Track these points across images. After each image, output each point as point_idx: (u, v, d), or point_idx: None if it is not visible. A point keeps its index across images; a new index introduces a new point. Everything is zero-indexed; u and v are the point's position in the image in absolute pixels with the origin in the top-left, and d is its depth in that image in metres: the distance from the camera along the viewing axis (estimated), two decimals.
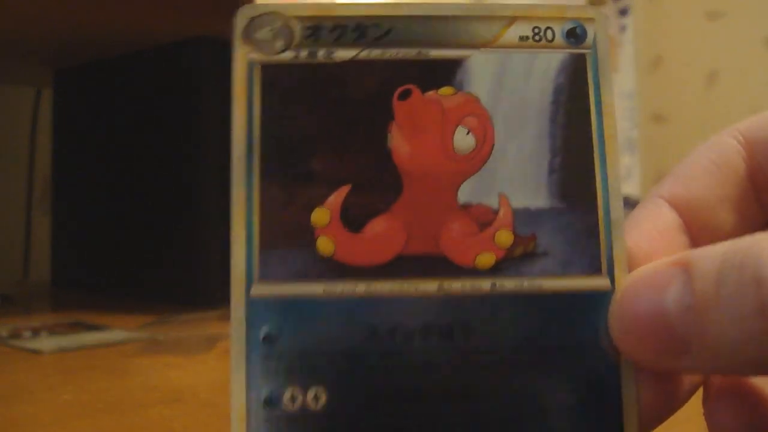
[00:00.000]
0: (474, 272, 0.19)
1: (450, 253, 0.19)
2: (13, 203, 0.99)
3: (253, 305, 0.18)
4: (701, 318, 0.16)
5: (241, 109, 0.19)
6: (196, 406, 0.38)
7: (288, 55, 0.19)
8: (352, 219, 0.19)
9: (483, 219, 0.19)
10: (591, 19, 0.20)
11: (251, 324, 0.18)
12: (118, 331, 0.56)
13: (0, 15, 0.65)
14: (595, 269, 0.19)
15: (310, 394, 0.18)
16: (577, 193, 0.19)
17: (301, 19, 0.19)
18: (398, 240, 0.19)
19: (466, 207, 0.19)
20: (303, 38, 0.19)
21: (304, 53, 0.19)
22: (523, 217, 0.19)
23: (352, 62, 0.19)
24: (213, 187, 0.70)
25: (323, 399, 0.18)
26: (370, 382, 0.18)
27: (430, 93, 0.19)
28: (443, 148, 0.19)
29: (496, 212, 0.19)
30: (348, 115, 0.19)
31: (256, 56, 0.19)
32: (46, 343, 0.52)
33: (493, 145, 0.19)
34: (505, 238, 0.19)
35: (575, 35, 0.20)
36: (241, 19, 0.19)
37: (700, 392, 0.20)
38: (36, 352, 0.50)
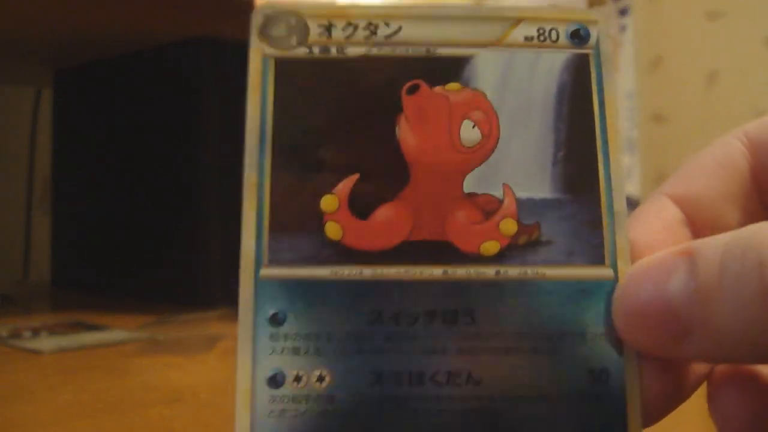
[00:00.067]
0: (479, 259, 0.19)
1: (455, 240, 0.19)
2: (13, 203, 0.99)
3: (261, 287, 0.19)
4: (705, 303, 0.16)
5: (255, 100, 0.20)
6: (196, 406, 0.38)
7: (301, 51, 0.20)
8: (360, 206, 0.19)
9: (488, 208, 0.20)
10: (594, 21, 0.21)
11: (259, 305, 0.19)
12: (118, 331, 0.56)
13: (0, 15, 0.65)
14: (598, 259, 0.19)
15: (315, 375, 0.18)
16: (581, 184, 0.20)
17: (314, 17, 0.20)
18: (404, 226, 0.19)
19: (471, 196, 0.20)
20: (316, 35, 0.20)
21: (316, 49, 0.20)
22: (527, 207, 0.19)
23: (363, 58, 0.20)
24: (213, 187, 0.70)
25: (327, 380, 0.18)
26: (375, 364, 0.18)
27: (438, 88, 0.20)
28: (450, 140, 0.20)
29: (500, 202, 0.20)
30: (358, 107, 0.20)
31: (271, 51, 0.20)
32: (46, 343, 0.52)
33: (498, 138, 0.20)
34: (509, 226, 0.19)
35: (579, 36, 0.20)
36: (257, 17, 0.20)
37: (701, 392, 0.20)
38: (36, 352, 0.50)
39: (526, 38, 0.20)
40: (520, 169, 0.20)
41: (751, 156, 0.21)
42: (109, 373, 0.46)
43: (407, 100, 0.20)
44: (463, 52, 0.20)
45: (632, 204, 0.20)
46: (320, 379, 0.18)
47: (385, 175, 0.20)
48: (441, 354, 0.18)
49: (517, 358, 0.19)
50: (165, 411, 0.37)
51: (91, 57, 0.80)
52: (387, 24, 0.20)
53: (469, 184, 0.20)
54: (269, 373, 0.18)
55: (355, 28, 0.20)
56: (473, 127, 0.20)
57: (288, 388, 0.18)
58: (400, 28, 0.20)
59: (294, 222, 0.19)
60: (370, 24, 0.20)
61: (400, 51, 0.20)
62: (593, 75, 0.20)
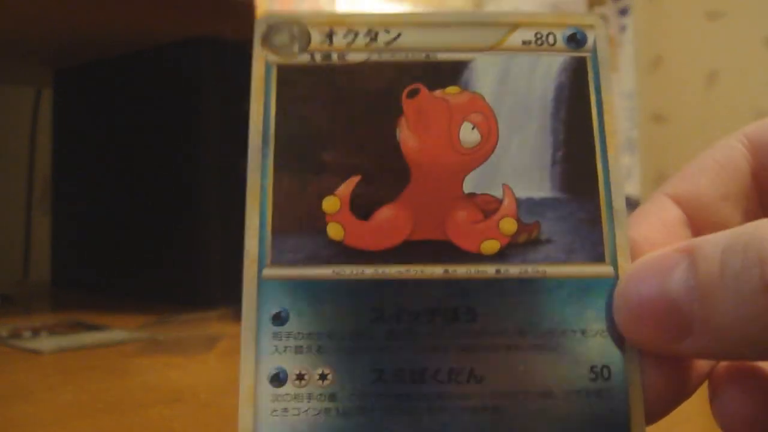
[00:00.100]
0: (479, 258, 0.19)
1: (456, 239, 0.19)
2: (13, 203, 0.99)
3: (264, 286, 0.19)
4: (705, 299, 0.17)
5: (258, 106, 0.20)
6: (196, 406, 0.38)
7: (304, 58, 0.21)
8: (361, 207, 0.20)
9: (488, 208, 0.20)
10: (591, 26, 0.21)
11: (262, 304, 0.19)
12: (118, 331, 0.57)
13: (0, 15, 0.65)
14: (598, 257, 0.19)
15: (317, 373, 0.18)
16: (580, 184, 0.20)
17: (316, 25, 0.21)
18: (405, 226, 0.20)
19: (471, 197, 0.20)
20: (318, 43, 0.21)
21: (318, 56, 0.21)
22: (526, 206, 0.20)
23: (364, 64, 0.21)
24: (213, 187, 0.70)
25: (330, 378, 0.18)
26: (376, 362, 0.19)
27: (437, 92, 0.20)
28: (450, 141, 0.20)
29: (500, 201, 0.20)
30: (359, 111, 0.20)
31: (274, 59, 0.20)
32: (46, 343, 0.52)
33: (498, 139, 0.20)
34: (509, 225, 0.20)
35: (576, 40, 0.21)
36: (260, 26, 0.21)
37: (702, 393, 0.20)
38: (36, 352, 0.50)
39: (524, 42, 0.21)
40: (520, 169, 0.20)
41: (752, 157, 0.21)
42: (109, 373, 0.46)
43: (407, 104, 0.20)
44: (461, 57, 0.21)
45: (632, 204, 0.20)
46: (322, 377, 0.18)
47: (386, 176, 0.20)
48: (442, 352, 0.19)
49: (518, 355, 0.19)
50: (165, 411, 0.37)
51: (91, 57, 0.80)
52: (387, 31, 0.21)
53: (469, 185, 0.20)
54: (272, 372, 0.18)
55: (356, 35, 0.21)
56: (472, 128, 0.20)
57: (290, 387, 0.18)
58: (399, 35, 0.21)
59: (296, 223, 0.19)
60: (370, 31, 0.21)
61: (399, 56, 0.21)
62: (590, 77, 0.21)
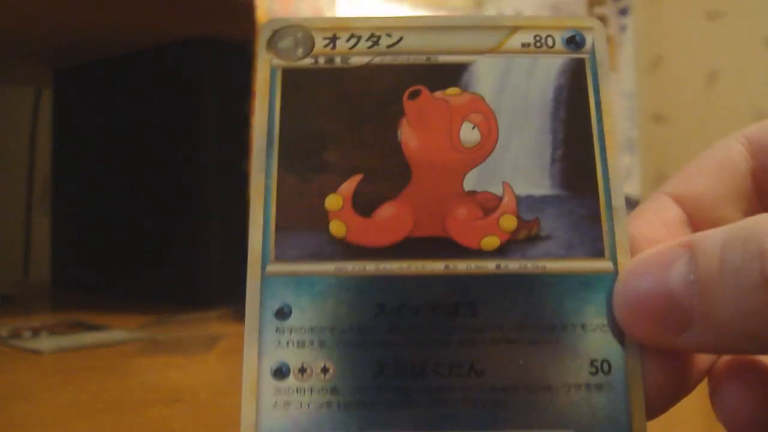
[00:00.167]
0: (479, 254, 0.20)
1: (456, 236, 0.20)
2: (13, 203, 0.99)
3: (267, 282, 0.19)
4: (705, 292, 0.17)
5: (262, 107, 0.21)
6: (196, 406, 0.38)
7: (307, 62, 0.21)
8: (363, 205, 0.20)
9: (488, 205, 0.20)
10: (590, 28, 0.21)
11: (265, 300, 0.19)
12: (118, 331, 0.57)
13: (0, 15, 0.65)
14: (597, 252, 0.20)
15: (319, 367, 0.19)
16: (579, 181, 0.20)
17: (319, 30, 0.21)
18: (406, 223, 0.20)
19: (471, 194, 0.20)
20: (321, 47, 0.21)
21: (321, 60, 0.21)
22: (526, 203, 0.20)
23: (366, 67, 0.21)
24: (213, 187, 0.71)
25: (331, 371, 0.19)
26: (378, 356, 0.19)
27: (438, 93, 0.21)
28: (450, 140, 0.20)
29: (500, 199, 0.20)
30: (361, 112, 0.21)
31: (278, 62, 0.21)
32: (46, 343, 0.52)
33: (497, 139, 0.21)
34: (509, 222, 0.20)
35: (575, 42, 0.21)
36: (265, 31, 0.21)
37: (701, 393, 0.20)
38: (36, 352, 0.50)
39: (523, 45, 0.21)
40: (519, 167, 0.20)
41: (752, 158, 0.21)
42: (109, 373, 0.46)
43: (409, 105, 0.21)
44: (461, 59, 0.21)
45: (632, 204, 0.20)
46: (324, 370, 0.19)
47: (387, 175, 0.20)
48: (443, 346, 0.19)
49: (518, 348, 0.19)
50: (165, 411, 0.37)
51: (91, 57, 0.80)
52: (389, 35, 0.21)
53: (470, 183, 0.20)
54: (274, 365, 0.19)
55: (359, 39, 0.21)
56: (473, 128, 0.21)
57: (293, 380, 0.19)
58: (401, 38, 0.21)
59: (299, 220, 0.20)
60: (372, 35, 0.21)
61: (401, 59, 0.21)
62: (589, 78, 0.21)
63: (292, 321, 0.19)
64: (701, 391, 0.20)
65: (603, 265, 0.19)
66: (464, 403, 0.18)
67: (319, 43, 0.21)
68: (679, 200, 0.21)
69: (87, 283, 0.81)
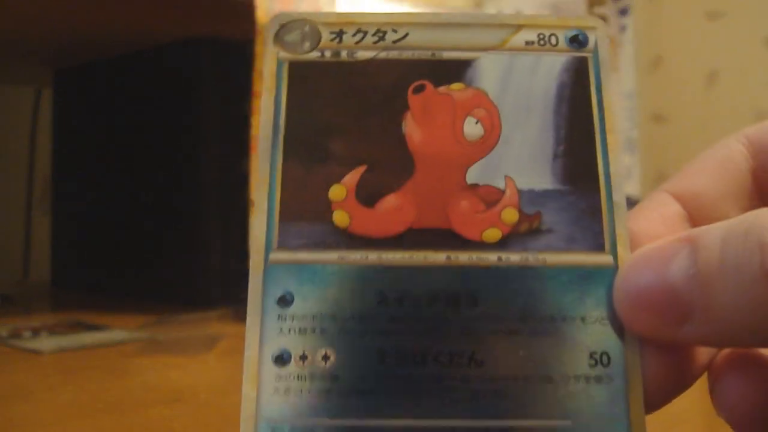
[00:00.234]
0: (481, 246, 0.20)
1: (458, 228, 0.20)
2: (13, 203, 0.99)
3: (270, 270, 0.19)
4: (705, 286, 0.17)
5: (269, 99, 0.21)
6: (196, 406, 0.38)
7: (314, 55, 0.21)
8: (367, 195, 0.20)
9: (490, 198, 0.20)
10: (593, 28, 0.22)
11: (268, 287, 0.19)
12: (118, 331, 0.57)
13: (0, 15, 0.65)
14: (598, 246, 0.20)
15: (320, 354, 0.19)
16: (580, 176, 0.20)
17: (326, 24, 0.22)
18: (409, 214, 0.20)
19: (474, 187, 0.20)
20: (328, 41, 0.21)
21: (328, 53, 0.21)
22: (528, 197, 0.20)
23: (372, 61, 0.21)
24: (213, 187, 0.71)
25: (332, 359, 0.19)
26: (378, 344, 0.19)
27: (442, 88, 0.21)
28: (453, 134, 0.21)
29: (502, 192, 0.20)
30: (366, 105, 0.21)
31: (285, 55, 0.21)
32: (46, 343, 0.52)
33: (500, 133, 0.21)
34: (510, 215, 0.20)
35: (578, 41, 0.21)
36: (273, 24, 0.22)
37: (701, 393, 0.20)
38: (36, 352, 0.50)
39: (527, 43, 0.21)
40: (522, 162, 0.21)
41: (752, 158, 0.21)
42: (109, 373, 0.46)
43: (413, 99, 0.21)
44: (466, 56, 0.21)
45: (632, 204, 0.20)
46: (325, 358, 0.19)
47: (391, 167, 0.20)
48: (443, 335, 0.19)
49: (518, 340, 0.19)
50: (165, 411, 0.37)
51: (91, 57, 0.80)
52: (395, 30, 0.22)
53: (472, 176, 0.20)
54: (276, 352, 0.19)
55: (365, 34, 0.21)
56: (476, 123, 0.21)
57: (293, 367, 0.19)
58: (407, 34, 0.21)
59: (303, 210, 0.20)
60: (378, 30, 0.21)
61: (406, 54, 0.21)
62: (592, 76, 0.21)
63: (294, 309, 0.19)
64: (701, 391, 0.20)
65: (603, 259, 0.20)
66: (464, 392, 0.19)
67: (326, 37, 0.21)
68: (679, 198, 0.21)
69: (87, 283, 0.81)
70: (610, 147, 0.21)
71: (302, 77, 0.21)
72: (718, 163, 0.21)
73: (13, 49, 0.79)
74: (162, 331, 0.56)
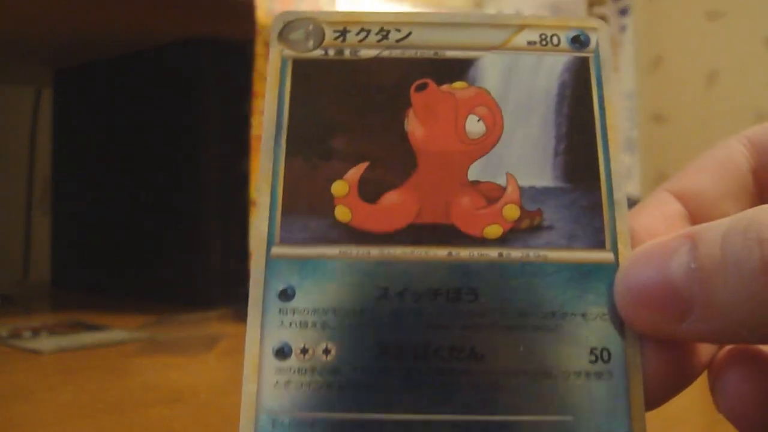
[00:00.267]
0: (482, 242, 0.20)
1: (460, 224, 0.20)
2: (13, 203, 0.99)
3: (272, 264, 0.20)
4: (706, 282, 0.17)
5: (272, 96, 0.21)
6: (196, 406, 0.38)
7: (317, 53, 0.22)
8: (369, 191, 0.20)
9: (491, 195, 0.20)
10: (594, 28, 0.22)
11: (269, 281, 0.20)
12: (118, 331, 0.57)
13: (0, 15, 0.65)
14: (598, 243, 0.20)
15: (321, 348, 0.19)
16: (581, 174, 0.21)
17: (330, 23, 0.22)
18: (411, 210, 0.20)
19: (475, 184, 0.21)
20: (332, 39, 0.22)
21: (331, 51, 0.22)
22: (529, 194, 0.20)
23: (375, 59, 0.22)
24: (213, 187, 0.71)
25: (333, 353, 0.19)
26: (379, 338, 0.19)
27: (445, 86, 0.21)
28: (456, 131, 0.21)
29: (504, 189, 0.21)
30: (369, 103, 0.21)
31: (289, 53, 0.22)
32: (46, 343, 0.52)
33: (502, 131, 0.21)
34: (512, 212, 0.20)
35: (579, 41, 0.22)
36: (277, 22, 0.22)
37: (701, 393, 0.20)
38: (36, 352, 0.50)
39: (529, 43, 0.22)
40: (523, 159, 0.21)
41: (753, 158, 0.22)
42: (109, 373, 0.46)
43: (416, 97, 0.21)
44: (469, 55, 0.22)
45: (632, 204, 0.20)
46: (326, 351, 0.19)
47: (393, 163, 0.21)
48: (444, 330, 0.19)
49: (518, 335, 0.19)
50: (165, 411, 0.37)
51: (91, 57, 0.80)
52: (398, 29, 0.22)
53: (474, 173, 0.21)
54: (277, 345, 0.19)
55: (368, 32, 0.22)
56: (478, 121, 0.21)
57: (294, 360, 0.19)
58: (410, 33, 0.22)
59: (305, 205, 0.20)
60: (382, 29, 0.22)
61: (409, 53, 0.22)
62: (593, 76, 0.21)
63: (296, 302, 0.19)
64: (701, 391, 0.20)
65: (604, 255, 0.20)
66: (464, 387, 0.19)
67: (330, 35, 0.22)
68: (680, 197, 0.21)
69: (87, 283, 0.81)
70: (611, 144, 0.21)
71: (306, 75, 0.21)
72: (719, 163, 0.21)
73: (13, 49, 0.79)
74: (162, 331, 0.56)
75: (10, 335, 0.54)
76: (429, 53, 0.22)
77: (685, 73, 1.27)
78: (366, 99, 0.21)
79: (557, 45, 0.22)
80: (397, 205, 0.20)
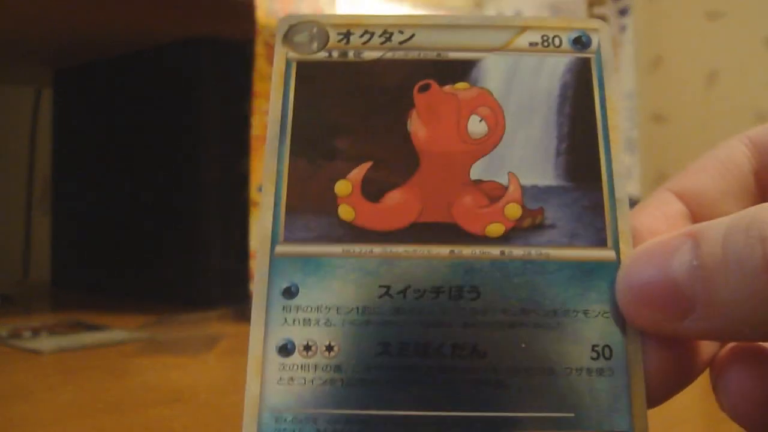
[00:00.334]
0: (484, 240, 0.20)
1: (462, 222, 0.20)
2: (13, 203, 0.99)
3: (276, 262, 0.20)
4: (707, 279, 0.17)
5: (277, 97, 0.21)
6: (196, 406, 0.38)
7: (321, 55, 0.22)
8: (372, 190, 0.21)
9: (493, 194, 0.21)
10: (595, 29, 0.22)
11: (273, 279, 0.20)
12: (118, 331, 0.57)
13: (0, 15, 0.65)
14: (600, 242, 0.20)
15: (324, 345, 0.19)
16: (583, 173, 0.21)
17: (334, 25, 0.22)
18: (413, 209, 0.20)
19: (477, 183, 0.21)
20: (335, 41, 0.22)
21: (335, 53, 0.22)
22: (531, 193, 0.21)
23: (378, 61, 0.22)
24: (213, 187, 0.71)
25: (336, 350, 0.19)
26: (382, 335, 0.19)
27: (447, 87, 0.22)
28: (458, 132, 0.21)
29: (506, 188, 0.21)
30: (372, 104, 0.21)
31: (293, 55, 0.22)
32: (46, 343, 0.52)
33: (504, 131, 0.21)
34: (514, 210, 0.20)
35: (581, 42, 0.22)
36: (282, 25, 0.22)
37: (702, 394, 0.20)
38: (36, 352, 0.50)
39: (531, 44, 0.22)
40: (525, 159, 0.21)
41: (754, 159, 0.22)
42: (109, 373, 0.46)
43: (419, 98, 0.21)
44: (471, 56, 0.22)
45: (632, 204, 0.20)
46: (329, 348, 0.19)
47: (396, 163, 0.21)
48: (446, 327, 0.19)
49: (520, 332, 0.19)
50: (165, 411, 0.37)
51: (91, 57, 0.80)
52: (401, 31, 0.22)
53: (476, 173, 0.21)
54: (280, 342, 0.19)
55: (372, 35, 0.22)
56: (480, 121, 0.21)
57: (297, 357, 0.19)
58: (413, 35, 0.22)
59: (309, 204, 0.20)
60: (385, 31, 0.22)
61: (412, 55, 0.22)
62: (594, 76, 0.22)
63: (299, 300, 0.20)
64: (702, 391, 0.20)
65: (605, 254, 0.20)
66: (466, 384, 0.19)
67: (334, 37, 0.22)
68: (681, 196, 0.21)
69: (87, 283, 0.81)
70: (612, 144, 0.21)
71: (310, 77, 0.22)
72: (721, 163, 0.22)
73: (13, 49, 0.79)
74: (162, 331, 0.56)
75: (10, 335, 0.54)
76: (432, 55, 0.22)
77: (685, 73, 1.27)
78: (369, 100, 0.21)
79: (559, 46, 0.22)
80: (399, 204, 0.20)
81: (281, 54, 0.22)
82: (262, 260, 0.20)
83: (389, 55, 0.22)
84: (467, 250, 0.20)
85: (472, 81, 0.22)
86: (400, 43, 0.22)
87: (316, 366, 0.19)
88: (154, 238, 0.75)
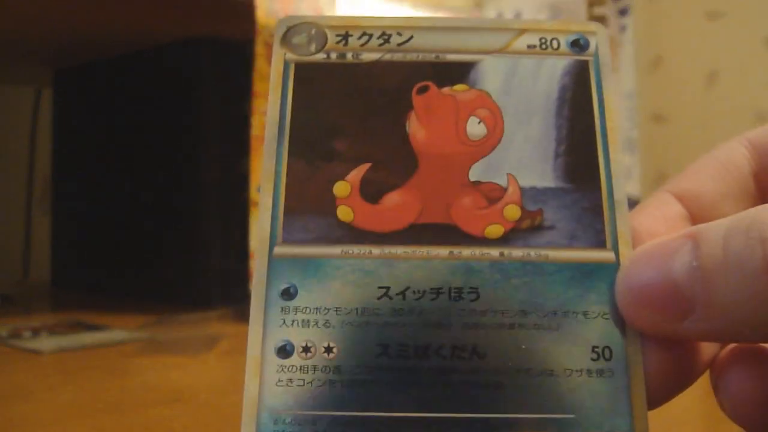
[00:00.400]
0: (484, 241, 0.20)
1: (461, 223, 0.20)
2: (13, 203, 0.99)
3: (274, 264, 0.20)
4: (707, 281, 0.17)
5: (275, 99, 0.21)
6: (196, 406, 0.38)
7: (320, 57, 0.22)
8: (371, 192, 0.21)
9: (492, 195, 0.21)
10: (593, 32, 0.22)
11: (272, 280, 0.20)
12: (118, 331, 0.57)
13: (0, 15, 0.65)
14: (599, 243, 0.20)
15: (323, 347, 0.19)
16: (582, 175, 0.21)
17: (333, 27, 0.22)
18: (412, 210, 0.20)
19: (476, 184, 0.21)
20: (334, 43, 0.22)
21: (334, 55, 0.22)
22: (530, 194, 0.21)
23: (377, 63, 0.22)
24: (213, 187, 0.71)
25: (335, 351, 0.19)
26: (381, 337, 0.19)
27: (446, 89, 0.22)
28: (457, 133, 0.21)
29: (505, 190, 0.21)
30: (370, 105, 0.21)
31: (292, 57, 0.22)
32: (46, 343, 0.52)
33: (503, 133, 0.21)
34: (513, 212, 0.20)
35: (579, 45, 0.22)
36: (280, 27, 0.22)
37: (702, 395, 0.20)
38: (36, 352, 0.50)
39: (529, 46, 0.22)
40: (524, 160, 0.21)
41: (754, 161, 0.22)
42: (109, 373, 0.46)
43: (417, 99, 0.21)
44: (470, 58, 0.22)
45: (632, 204, 0.20)
46: (328, 350, 0.19)
47: (394, 164, 0.21)
48: (446, 329, 0.19)
49: (520, 333, 0.19)
50: (165, 411, 0.37)
51: (91, 57, 0.80)
52: (399, 33, 0.22)
53: (475, 174, 0.21)
54: (279, 344, 0.19)
55: (370, 36, 0.22)
56: (479, 122, 0.21)
57: (296, 358, 0.19)
58: (411, 37, 0.22)
59: (308, 205, 0.20)
60: (383, 33, 0.22)
61: (411, 57, 0.22)
62: (592, 78, 0.22)
63: (298, 301, 0.19)
64: (702, 392, 0.20)
65: (605, 255, 0.20)
66: (466, 385, 0.19)
67: (332, 39, 0.22)
68: (681, 198, 0.21)
69: (87, 283, 0.81)
70: (611, 145, 0.21)
71: (308, 78, 0.22)
72: (720, 164, 0.22)
73: (13, 49, 0.79)
74: (162, 331, 0.56)
75: (10, 335, 0.54)
76: (430, 56, 0.22)
77: (685, 73, 1.27)
78: (368, 102, 0.21)
79: (557, 48, 0.22)
80: (398, 206, 0.20)
81: (279, 55, 0.22)
82: (261, 261, 0.20)
83: (388, 56, 0.22)
84: (466, 252, 0.20)
85: (471, 83, 0.22)
86: (399, 44, 0.22)
87: (315, 367, 0.19)
88: (154, 238, 0.75)
